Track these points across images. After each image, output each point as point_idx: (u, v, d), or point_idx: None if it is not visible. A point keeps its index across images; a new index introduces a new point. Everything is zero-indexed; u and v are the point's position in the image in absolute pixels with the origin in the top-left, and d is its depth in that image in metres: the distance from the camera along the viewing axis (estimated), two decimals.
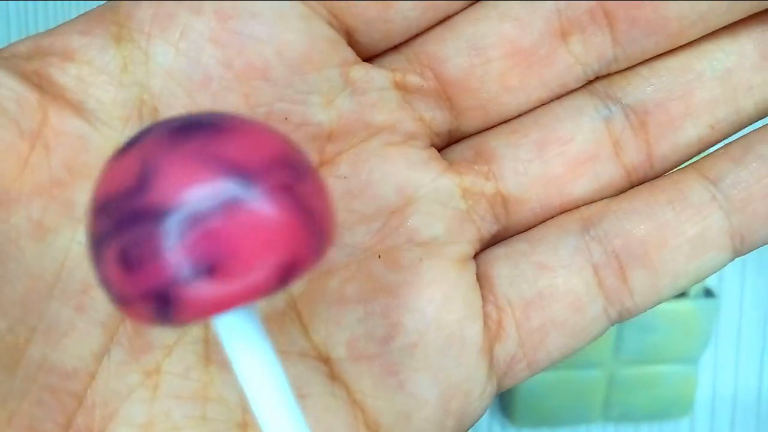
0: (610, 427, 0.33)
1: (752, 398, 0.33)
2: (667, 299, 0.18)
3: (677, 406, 0.33)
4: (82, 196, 0.15)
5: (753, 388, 0.33)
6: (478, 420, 0.18)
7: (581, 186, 0.18)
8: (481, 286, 0.18)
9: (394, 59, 0.18)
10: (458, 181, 0.18)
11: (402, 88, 0.17)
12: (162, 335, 0.16)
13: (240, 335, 0.12)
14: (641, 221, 0.18)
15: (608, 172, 0.18)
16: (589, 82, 0.18)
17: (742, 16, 0.17)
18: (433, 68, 0.18)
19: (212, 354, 0.17)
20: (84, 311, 0.16)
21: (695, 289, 0.32)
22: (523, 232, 0.18)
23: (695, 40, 0.18)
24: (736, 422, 0.33)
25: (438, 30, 0.18)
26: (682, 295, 0.32)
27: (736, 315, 0.33)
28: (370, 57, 0.18)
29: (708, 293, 0.32)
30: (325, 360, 0.17)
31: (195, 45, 0.16)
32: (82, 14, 0.17)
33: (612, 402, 0.32)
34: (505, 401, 0.33)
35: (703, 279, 0.18)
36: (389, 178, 0.17)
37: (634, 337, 0.32)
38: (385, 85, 0.17)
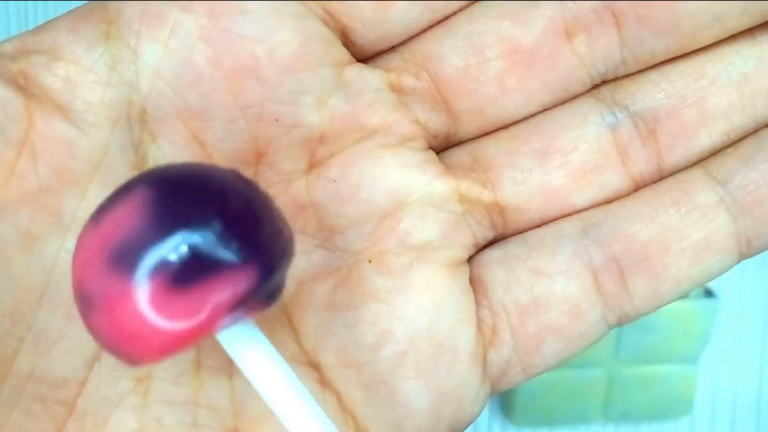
0: (610, 427, 0.33)
1: (752, 398, 0.33)
2: (668, 303, 0.17)
3: (677, 406, 0.32)
4: (71, 202, 0.15)
5: (753, 388, 0.33)
6: (471, 423, 0.17)
7: (585, 197, 0.17)
8: (474, 290, 0.17)
9: (390, 59, 0.17)
10: (454, 186, 0.17)
11: (397, 89, 0.17)
12: None
13: (241, 345, 0.14)
14: (644, 224, 0.17)
15: (615, 183, 0.17)
16: (595, 87, 0.17)
17: (763, 20, 0.16)
18: (428, 68, 0.17)
19: (203, 359, 0.16)
20: (73, 319, 0.15)
21: (695, 289, 0.32)
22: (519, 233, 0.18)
23: (710, 45, 0.17)
24: (736, 422, 0.33)
25: (434, 28, 0.17)
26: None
27: (736, 315, 0.33)
28: (366, 57, 0.17)
29: (708, 293, 0.32)
30: (316, 366, 0.17)
31: (184, 43, 0.16)
32: (71, 11, 0.16)
33: (612, 402, 0.32)
34: (505, 401, 0.33)
35: (707, 283, 0.17)
36: (380, 181, 0.17)
37: (634, 337, 0.31)
38: (379, 86, 0.17)
